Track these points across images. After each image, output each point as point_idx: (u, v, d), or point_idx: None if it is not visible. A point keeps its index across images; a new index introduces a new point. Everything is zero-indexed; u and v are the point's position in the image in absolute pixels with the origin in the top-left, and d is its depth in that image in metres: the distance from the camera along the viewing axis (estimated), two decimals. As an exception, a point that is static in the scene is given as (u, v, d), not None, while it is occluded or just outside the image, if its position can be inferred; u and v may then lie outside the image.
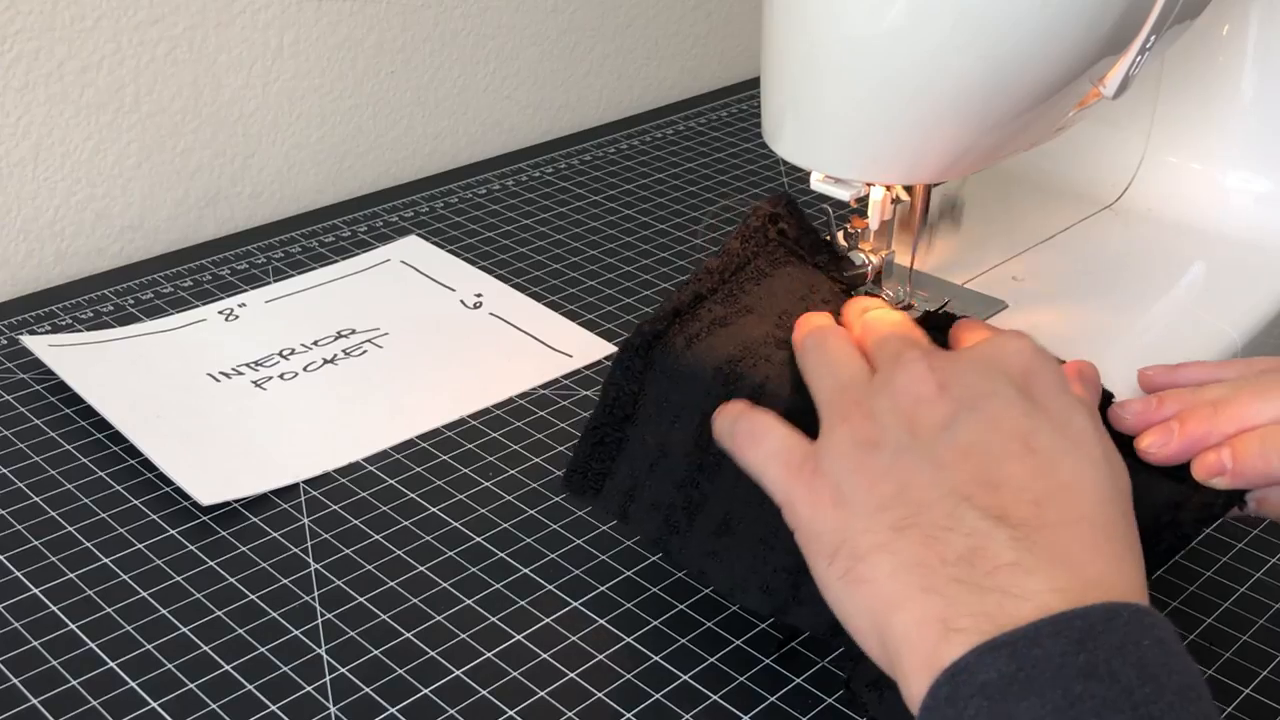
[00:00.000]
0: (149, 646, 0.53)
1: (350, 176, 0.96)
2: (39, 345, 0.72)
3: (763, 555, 0.50)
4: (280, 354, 0.73)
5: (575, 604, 0.56)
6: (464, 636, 0.54)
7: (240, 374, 0.71)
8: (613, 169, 0.98)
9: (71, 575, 0.57)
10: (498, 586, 0.57)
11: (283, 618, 0.55)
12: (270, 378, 0.71)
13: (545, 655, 0.53)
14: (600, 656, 0.54)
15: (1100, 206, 0.73)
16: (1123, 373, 0.53)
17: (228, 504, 0.61)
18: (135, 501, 0.62)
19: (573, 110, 1.08)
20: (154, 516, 0.61)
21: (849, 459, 0.45)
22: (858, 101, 0.52)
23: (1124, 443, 0.48)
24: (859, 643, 0.43)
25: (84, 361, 0.71)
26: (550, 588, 0.57)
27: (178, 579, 0.57)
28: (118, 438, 0.66)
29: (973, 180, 0.72)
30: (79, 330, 0.75)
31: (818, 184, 0.57)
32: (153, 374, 0.71)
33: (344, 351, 0.74)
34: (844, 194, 0.56)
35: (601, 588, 0.57)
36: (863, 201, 0.58)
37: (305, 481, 0.63)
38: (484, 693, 0.52)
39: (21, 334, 0.74)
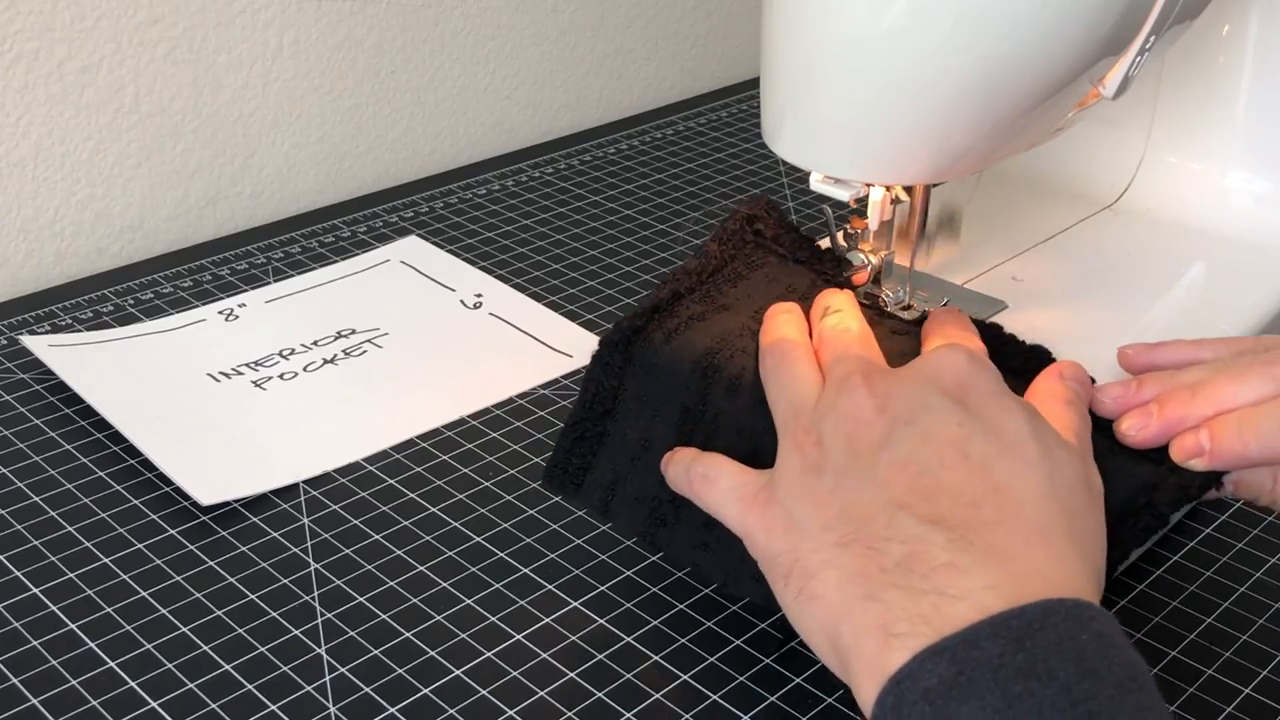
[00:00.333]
0: (149, 646, 0.53)
1: (350, 177, 0.96)
2: (39, 345, 0.72)
3: None
4: (280, 354, 0.73)
5: (575, 604, 0.56)
6: (464, 636, 0.54)
7: (240, 374, 0.71)
8: (613, 169, 0.98)
9: (71, 575, 0.57)
10: (497, 586, 0.57)
11: (282, 617, 0.55)
12: (270, 378, 0.71)
13: (545, 655, 0.54)
14: (600, 656, 0.54)
15: (1100, 207, 0.73)
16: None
17: (227, 504, 0.61)
18: (135, 501, 0.62)
19: (573, 110, 1.08)
20: (154, 516, 0.61)
21: (797, 485, 0.46)
22: (857, 102, 0.52)
23: (1104, 425, 0.49)
24: (821, 659, 0.44)
25: (84, 362, 0.71)
26: (550, 587, 0.57)
27: (177, 579, 0.57)
28: (117, 438, 0.66)
29: (972, 182, 0.72)
30: (79, 330, 0.75)
31: (817, 184, 0.57)
32: (153, 374, 0.71)
33: (344, 352, 0.74)
34: (844, 194, 0.56)
35: (601, 587, 0.57)
36: (862, 202, 0.58)
37: (305, 481, 0.63)
38: (484, 692, 0.52)
39: (21, 334, 0.74)
